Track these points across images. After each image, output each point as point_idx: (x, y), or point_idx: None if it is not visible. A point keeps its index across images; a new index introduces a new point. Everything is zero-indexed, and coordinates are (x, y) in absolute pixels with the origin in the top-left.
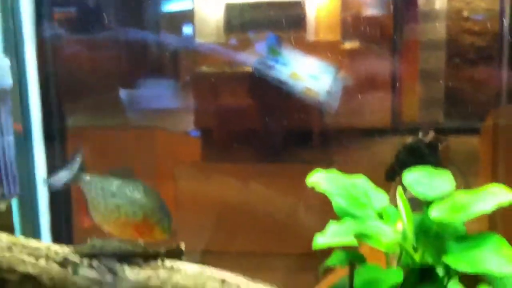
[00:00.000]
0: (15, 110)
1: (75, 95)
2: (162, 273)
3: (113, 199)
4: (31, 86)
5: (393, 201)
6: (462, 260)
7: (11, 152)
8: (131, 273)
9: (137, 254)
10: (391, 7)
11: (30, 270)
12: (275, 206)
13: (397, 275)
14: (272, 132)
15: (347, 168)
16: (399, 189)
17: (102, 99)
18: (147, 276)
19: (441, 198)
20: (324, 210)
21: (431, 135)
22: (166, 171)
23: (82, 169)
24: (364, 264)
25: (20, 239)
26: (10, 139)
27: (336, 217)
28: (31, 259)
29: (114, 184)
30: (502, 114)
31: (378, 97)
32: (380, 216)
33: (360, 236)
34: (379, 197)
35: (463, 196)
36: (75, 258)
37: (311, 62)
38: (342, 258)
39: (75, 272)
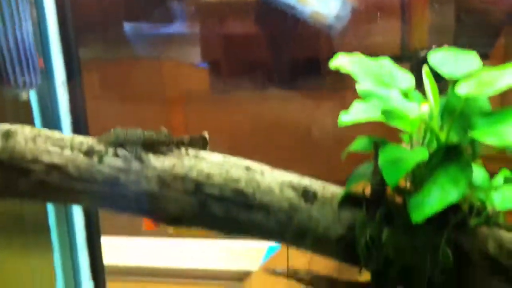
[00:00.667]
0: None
1: (86, 29)
2: (187, 161)
3: None
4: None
5: None
6: (488, 134)
7: (30, 41)
8: (156, 161)
9: (161, 142)
10: None
11: (56, 160)
12: (285, 133)
13: (422, 153)
14: (281, 59)
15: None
16: (426, 69)
17: (110, 32)
18: (172, 164)
19: (468, 77)
20: (333, 134)
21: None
22: (176, 101)
23: None
24: (389, 145)
25: (44, 130)
26: (28, 27)
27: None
28: (56, 149)
29: None
30: None
31: (387, 22)
32: (406, 96)
33: (386, 113)
34: (404, 77)
35: (490, 72)
36: (100, 147)
37: None
38: (365, 143)
39: (100, 161)
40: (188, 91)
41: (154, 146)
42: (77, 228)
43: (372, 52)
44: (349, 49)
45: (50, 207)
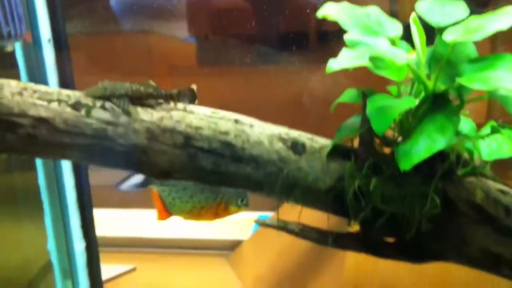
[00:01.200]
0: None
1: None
2: (176, 114)
3: (185, 191)
4: None
5: None
6: (476, 79)
7: None
8: (144, 114)
9: (149, 95)
10: None
11: (43, 113)
12: (270, 107)
13: (410, 101)
14: (268, 34)
15: None
16: (413, 16)
17: (96, 5)
18: (161, 117)
19: (454, 25)
20: (320, 109)
21: None
22: (163, 73)
23: None
24: (377, 94)
25: (31, 84)
26: None
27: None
28: (43, 103)
29: None
30: None
31: None
32: (393, 44)
33: (374, 60)
34: (392, 26)
35: (478, 19)
36: (87, 100)
37: None
38: (354, 95)
39: (88, 114)
40: (175, 65)
41: (142, 99)
42: (68, 189)
43: None
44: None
45: (41, 173)
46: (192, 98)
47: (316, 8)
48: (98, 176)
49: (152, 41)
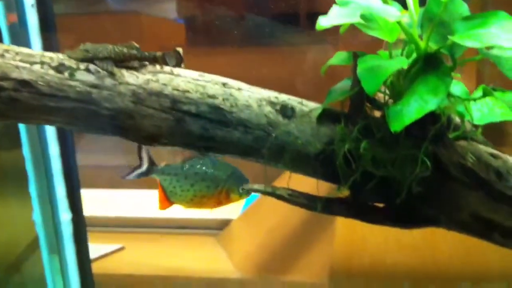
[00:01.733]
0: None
1: None
2: (162, 77)
3: (186, 180)
4: None
5: None
6: (469, 36)
7: None
8: (130, 77)
9: (133, 56)
10: None
11: (25, 76)
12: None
13: (401, 61)
14: (258, 14)
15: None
16: None
17: None
18: (147, 80)
19: None
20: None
21: None
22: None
23: (152, 162)
24: (368, 55)
25: (13, 46)
26: None
27: None
28: (26, 65)
29: (184, 167)
30: None
31: None
32: (385, 2)
33: (365, 17)
34: None
35: None
36: (71, 63)
37: None
38: (345, 57)
39: (72, 76)
40: (165, 46)
41: (125, 61)
42: (53, 159)
43: None
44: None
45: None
46: (178, 61)
47: None
48: (86, 157)
49: (142, 22)
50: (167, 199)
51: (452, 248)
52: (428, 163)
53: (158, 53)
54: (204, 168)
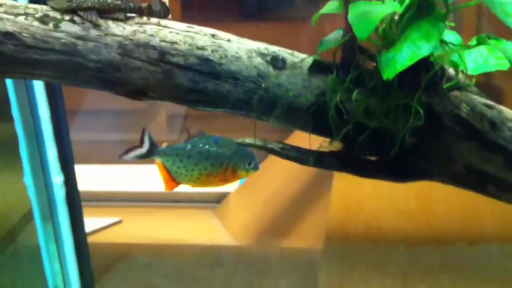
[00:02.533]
0: None
1: None
2: (149, 28)
3: (189, 160)
4: None
5: None
6: None
7: None
8: (116, 28)
9: (117, 7)
10: None
11: (9, 27)
12: None
13: (393, 6)
14: None
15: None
16: None
17: None
18: (133, 31)
19: None
20: None
21: None
22: None
23: (153, 143)
24: (360, 1)
25: None
26: None
27: None
28: (10, 17)
29: (186, 147)
30: None
31: None
32: None
33: None
34: None
35: None
36: (55, 14)
37: None
38: (336, 5)
39: (56, 27)
40: None
41: (110, 12)
42: (43, 120)
43: None
44: None
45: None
46: (164, 13)
47: None
48: (79, 133)
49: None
50: (173, 180)
51: (448, 212)
52: (422, 112)
53: (144, 5)
54: (207, 146)
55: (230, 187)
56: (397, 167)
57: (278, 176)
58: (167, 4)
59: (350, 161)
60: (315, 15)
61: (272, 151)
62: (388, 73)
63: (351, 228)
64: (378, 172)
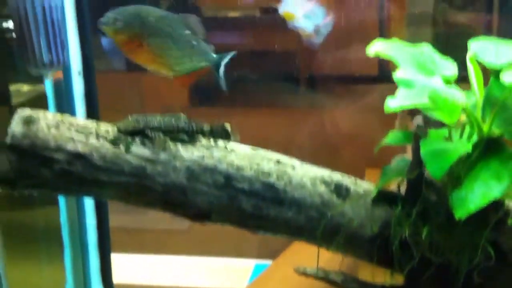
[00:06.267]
0: None
1: None
2: (216, 152)
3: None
4: None
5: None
6: None
7: (58, 14)
8: (185, 152)
9: (181, 129)
10: None
11: (80, 148)
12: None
13: (465, 146)
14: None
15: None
16: (470, 55)
17: None
18: (202, 155)
19: (509, 66)
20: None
21: None
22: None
23: None
24: (428, 137)
25: (67, 117)
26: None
27: None
28: (81, 137)
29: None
30: None
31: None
32: (448, 83)
33: (433, 98)
34: (447, 64)
35: None
36: (126, 136)
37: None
38: (399, 137)
39: (127, 150)
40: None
41: (173, 133)
42: (89, 230)
43: (349, 70)
44: (327, 65)
45: (63, 209)
46: (225, 136)
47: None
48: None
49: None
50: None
51: None
52: (492, 253)
53: (206, 127)
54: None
55: (240, 284)
56: None
57: (290, 277)
58: (229, 127)
59: None
60: (377, 145)
61: (334, 283)
62: (461, 213)
63: None
64: None
